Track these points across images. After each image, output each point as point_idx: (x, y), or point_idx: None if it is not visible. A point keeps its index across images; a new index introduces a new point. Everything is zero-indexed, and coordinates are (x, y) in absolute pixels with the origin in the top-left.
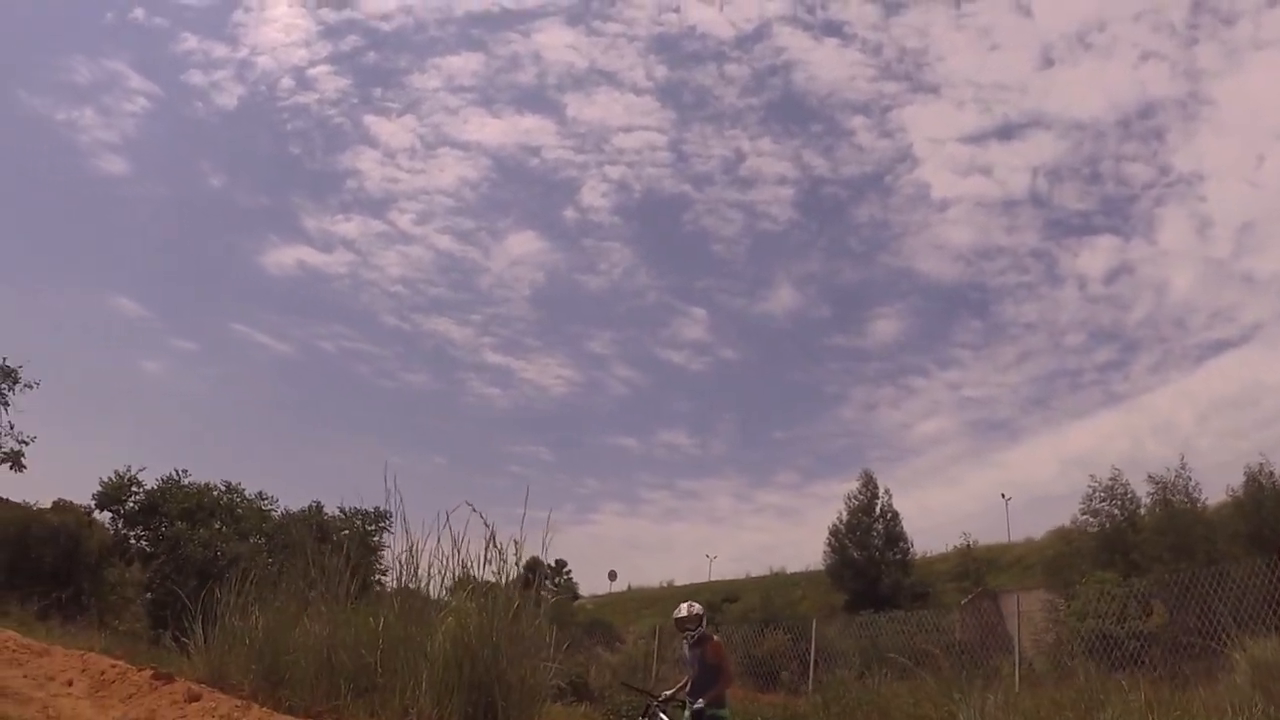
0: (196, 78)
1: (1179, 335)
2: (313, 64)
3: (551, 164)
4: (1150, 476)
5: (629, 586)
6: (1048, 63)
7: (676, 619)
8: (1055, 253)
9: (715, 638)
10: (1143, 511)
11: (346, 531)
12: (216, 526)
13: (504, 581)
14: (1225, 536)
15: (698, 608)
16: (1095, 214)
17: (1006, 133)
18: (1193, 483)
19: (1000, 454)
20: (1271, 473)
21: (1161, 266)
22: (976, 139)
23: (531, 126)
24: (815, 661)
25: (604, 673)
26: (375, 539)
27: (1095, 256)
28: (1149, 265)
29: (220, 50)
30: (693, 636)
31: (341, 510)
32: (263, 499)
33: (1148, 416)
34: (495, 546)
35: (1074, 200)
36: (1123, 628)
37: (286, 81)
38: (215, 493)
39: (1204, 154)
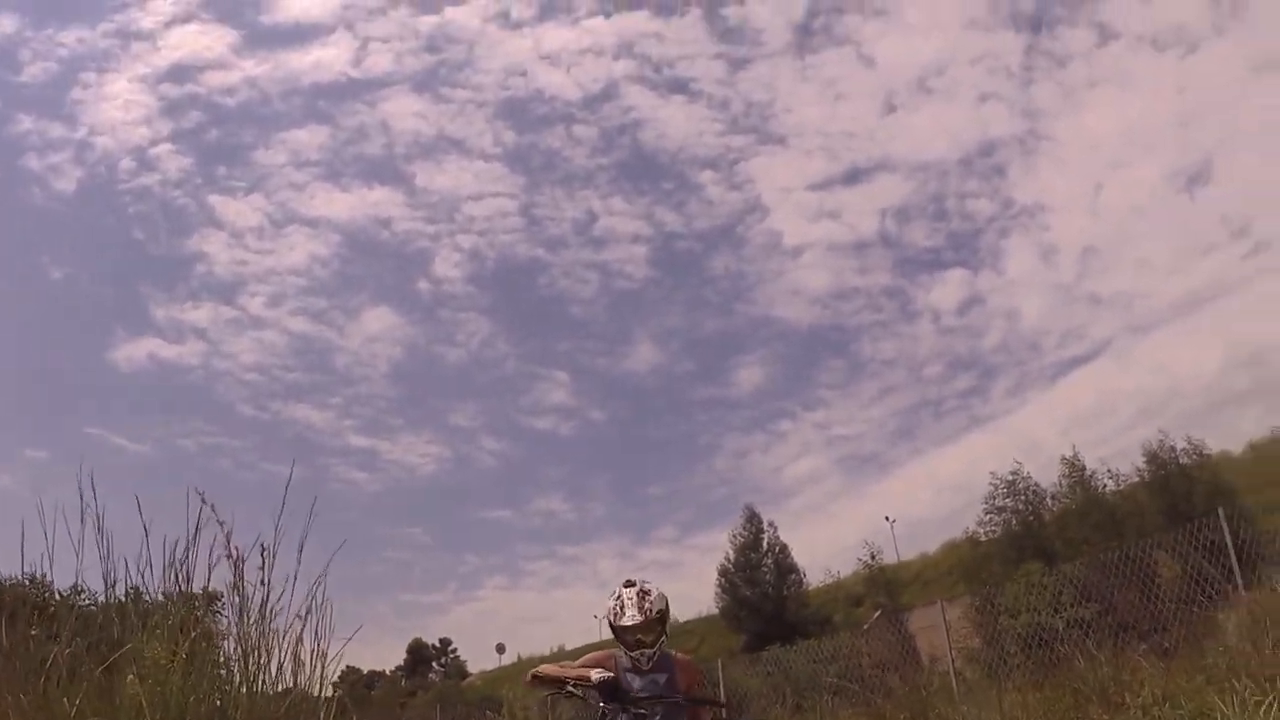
0: (33, 161)
1: (1033, 357)
2: (154, 143)
3: (403, 236)
4: (1064, 459)
5: (519, 657)
6: (891, 109)
7: (623, 625)
8: (908, 289)
9: (686, 656)
10: (1049, 501)
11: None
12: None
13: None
14: (1145, 514)
15: (657, 592)
16: (944, 250)
17: (853, 177)
18: (1106, 467)
19: (873, 486)
20: (1173, 448)
21: (1011, 295)
22: (824, 185)
23: (381, 199)
24: (727, 704)
25: None
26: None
27: (947, 290)
28: (999, 294)
29: (57, 130)
30: (649, 657)
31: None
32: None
33: (1012, 436)
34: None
35: (922, 238)
36: (1060, 617)
37: (128, 162)
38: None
39: (1044, 187)
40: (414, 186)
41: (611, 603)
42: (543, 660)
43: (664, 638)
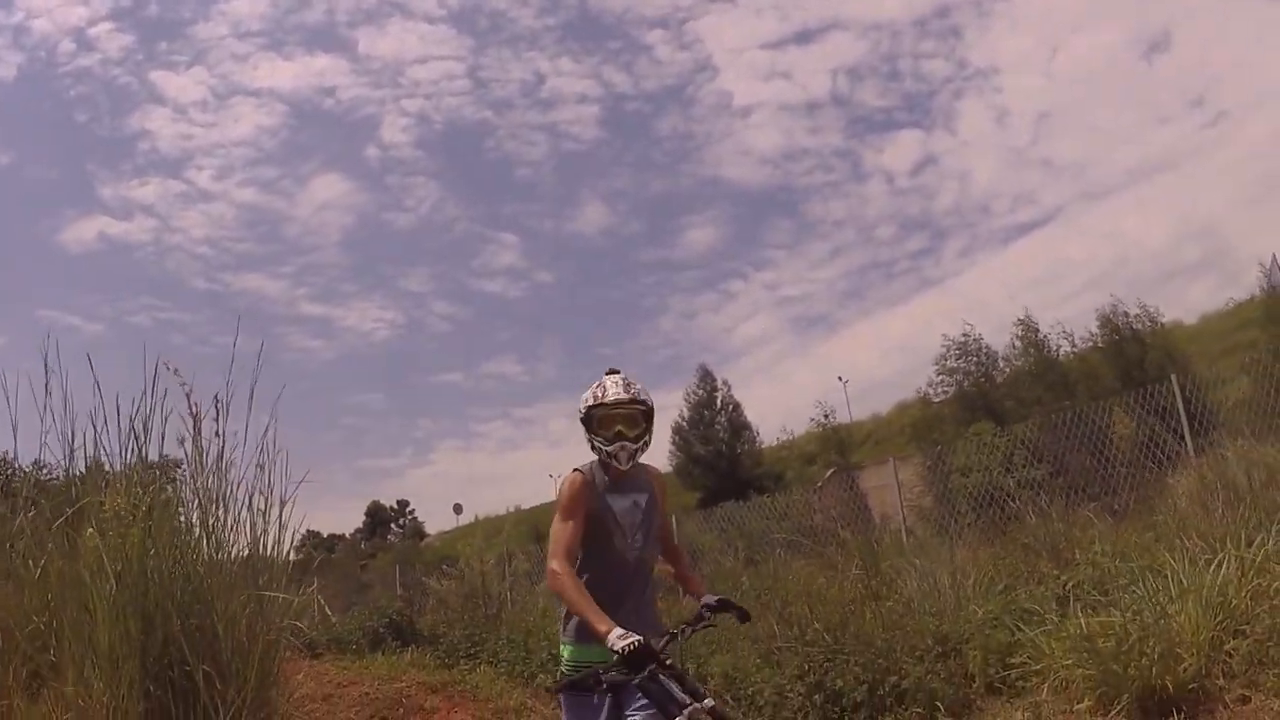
0: None
1: (985, 220)
2: (92, 22)
3: (348, 103)
4: (1017, 320)
5: (476, 518)
6: None
7: (605, 403)
8: (860, 150)
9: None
10: (1002, 363)
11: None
12: None
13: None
14: (1098, 377)
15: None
16: (897, 110)
17: (805, 37)
18: (1060, 329)
19: (822, 346)
20: (1127, 313)
21: (963, 157)
22: (775, 45)
23: (324, 66)
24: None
25: (439, 609)
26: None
27: (899, 151)
28: (951, 156)
29: None
30: (630, 454)
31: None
32: (40, 467)
33: (962, 298)
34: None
35: (875, 98)
36: (1011, 477)
37: (66, 45)
38: None
39: (999, 49)
40: (357, 53)
41: (590, 391)
42: (500, 520)
43: (649, 439)
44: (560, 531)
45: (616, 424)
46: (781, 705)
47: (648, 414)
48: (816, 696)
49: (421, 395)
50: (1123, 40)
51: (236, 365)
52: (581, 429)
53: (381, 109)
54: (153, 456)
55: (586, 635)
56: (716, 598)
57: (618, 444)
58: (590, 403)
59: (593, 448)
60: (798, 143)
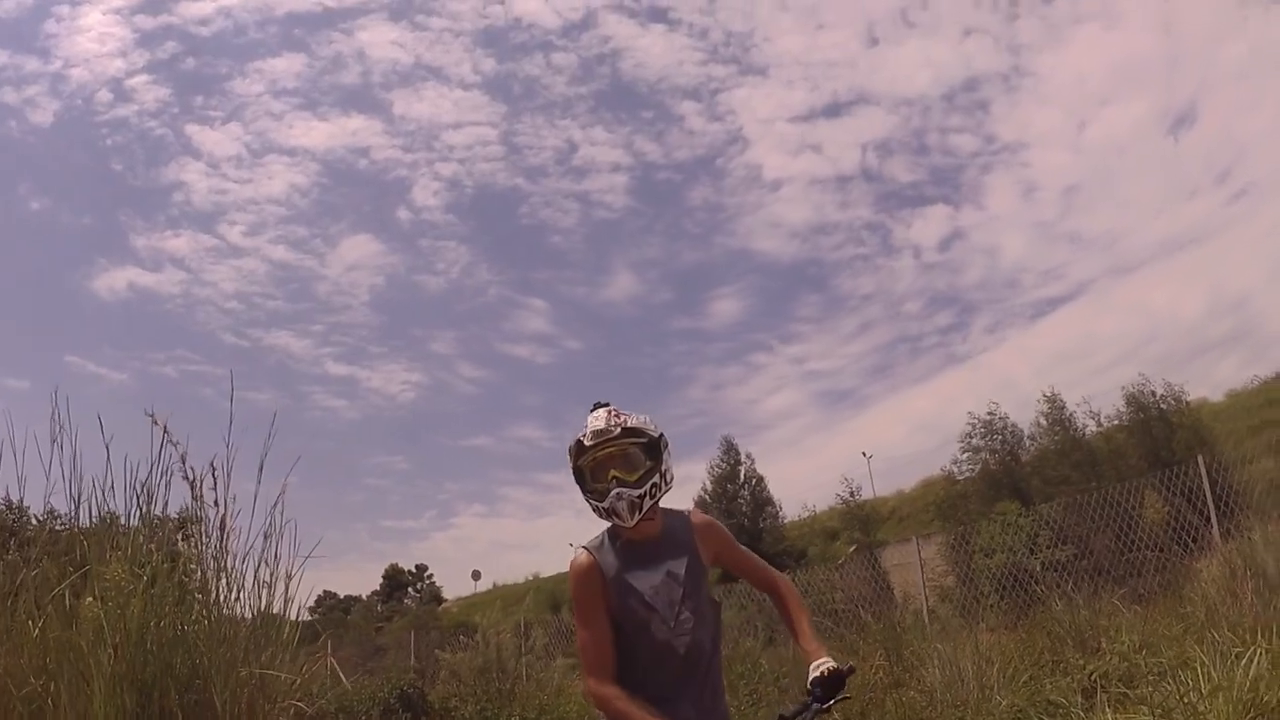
0: (9, 95)
1: (1013, 295)
2: (130, 74)
3: (381, 164)
4: (1043, 395)
5: (494, 585)
6: (873, 41)
7: (587, 447)
8: (889, 224)
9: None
10: (1027, 442)
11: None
12: None
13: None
14: (1125, 456)
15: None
16: (925, 184)
17: (835, 110)
18: (1087, 407)
19: (849, 422)
20: (1154, 392)
21: (991, 231)
22: (806, 118)
23: (359, 127)
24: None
25: (452, 681)
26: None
27: (927, 225)
28: (980, 230)
29: (32, 64)
30: (636, 504)
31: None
32: (54, 516)
33: (988, 374)
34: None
35: (904, 173)
36: (1035, 558)
37: (104, 94)
38: None
39: (1027, 123)
40: (392, 115)
41: (573, 440)
42: (519, 589)
43: (660, 480)
44: (585, 642)
45: (610, 469)
46: None
47: (650, 448)
48: None
49: (446, 458)
50: (1149, 114)
51: (257, 424)
52: (582, 496)
53: (414, 172)
54: (167, 512)
55: None
56: (828, 666)
57: (613, 494)
58: (574, 452)
59: (594, 510)
60: (827, 216)
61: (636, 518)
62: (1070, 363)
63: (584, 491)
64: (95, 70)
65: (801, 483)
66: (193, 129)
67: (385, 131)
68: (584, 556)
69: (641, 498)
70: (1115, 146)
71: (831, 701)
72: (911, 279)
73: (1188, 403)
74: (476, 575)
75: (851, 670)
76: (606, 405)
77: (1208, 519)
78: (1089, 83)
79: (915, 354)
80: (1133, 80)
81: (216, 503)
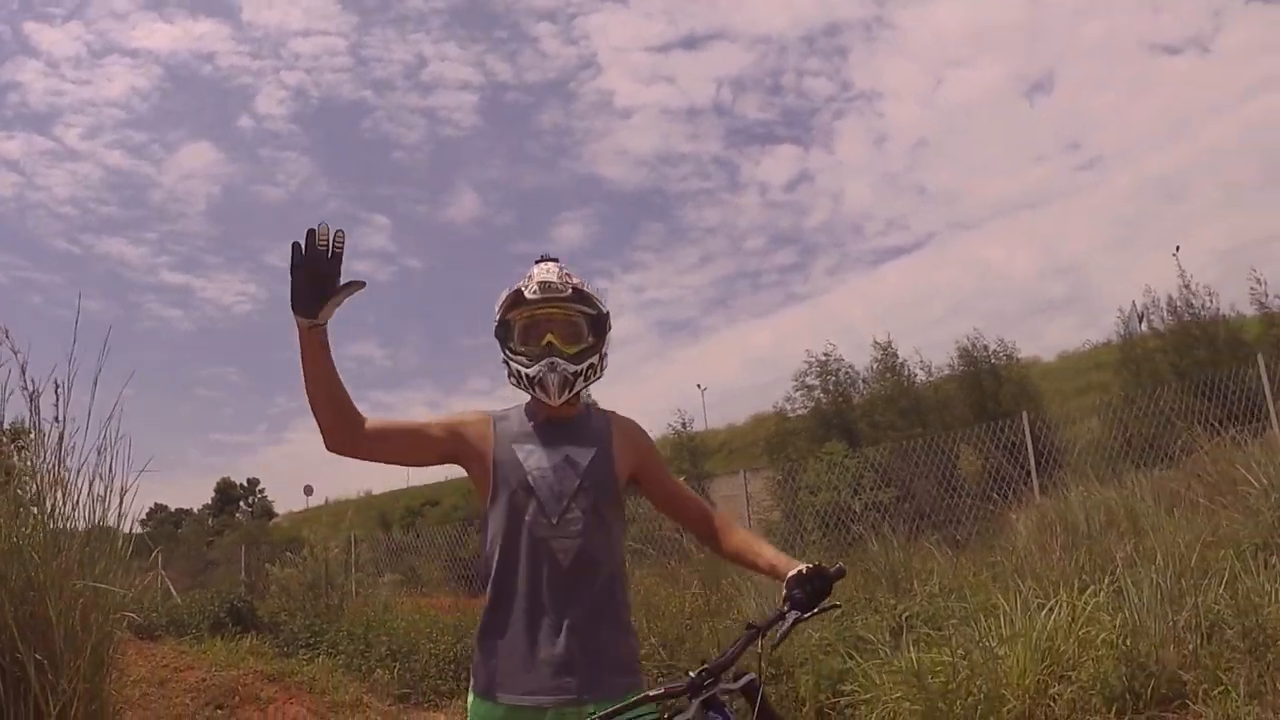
0: None
1: (856, 241)
2: None
3: (226, 71)
4: (875, 343)
5: (326, 500)
6: None
7: (527, 300)
8: (737, 160)
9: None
10: (861, 385)
11: None
12: None
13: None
14: (953, 406)
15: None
16: (777, 124)
17: (692, 43)
18: (919, 357)
19: (684, 352)
20: (986, 346)
21: (839, 176)
22: (662, 49)
23: (205, 31)
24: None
25: (281, 595)
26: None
27: (776, 165)
28: (827, 174)
29: None
30: (567, 381)
31: None
32: None
33: (826, 316)
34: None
35: (756, 111)
36: (858, 499)
37: None
38: None
39: (885, 74)
40: (240, 20)
41: (509, 289)
42: (351, 503)
43: (598, 363)
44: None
45: (547, 333)
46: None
47: (596, 322)
48: None
49: (280, 372)
50: (1007, 78)
51: (89, 335)
52: (501, 355)
53: (259, 80)
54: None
55: (501, 680)
56: (807, 566)
57: (545, 360)
58: (506, 302)
59: (511, 375)
60: (676, 148)
61: (565, 396)
62: (907, 310)
63: (507, 352)
64: None
65: (635, 410)
66: (31, 25)
67: (232, 37)
68: (484, 413)
69: (576, 375)
70: (969, 106)
71: (815, 610)
72: (755, 216)
73: (1018, 360)
74: (309, 490)
75: (841, 573)
76: (555, 260)
77: (1028, 473)
78: (950, 42)
79: (755, 290)
80: (994, 44)
81: (57, 418)
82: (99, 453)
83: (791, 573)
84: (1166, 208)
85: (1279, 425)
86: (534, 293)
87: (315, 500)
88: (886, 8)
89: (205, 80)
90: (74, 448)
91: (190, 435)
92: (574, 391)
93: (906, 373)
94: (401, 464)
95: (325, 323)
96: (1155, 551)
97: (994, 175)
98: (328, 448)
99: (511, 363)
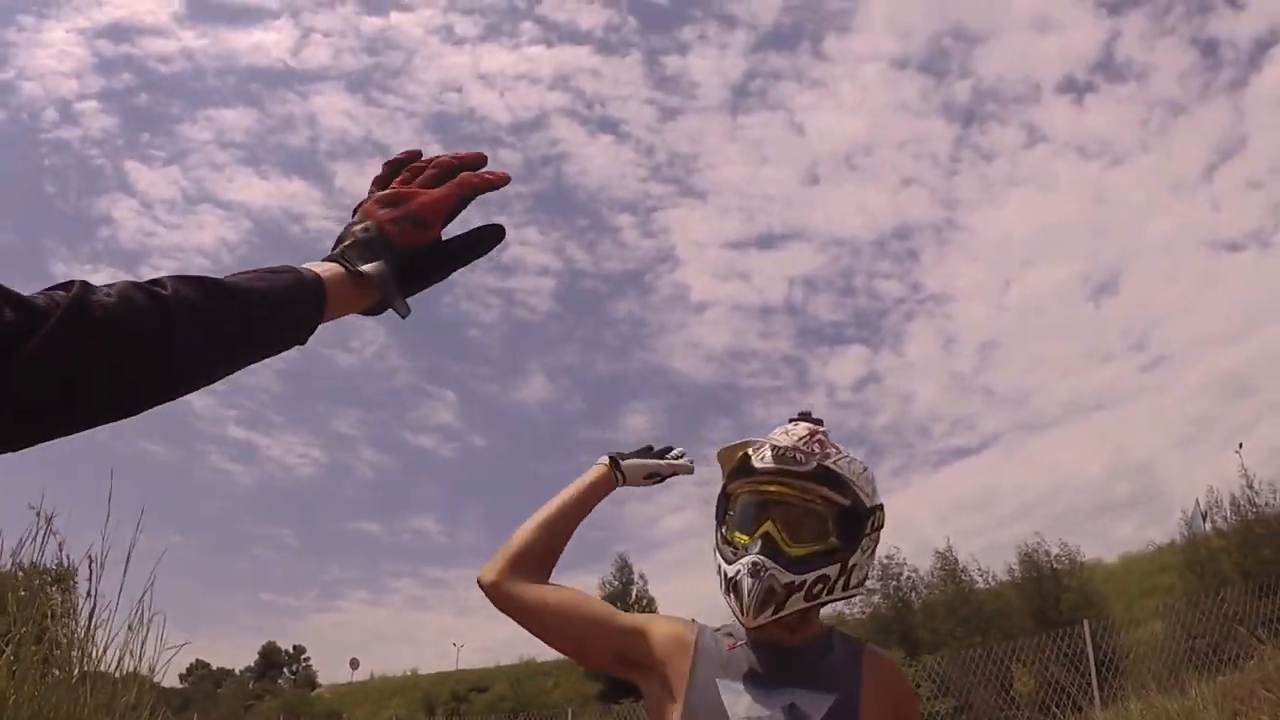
0: None
1: (922, 441)
2: (82, 97)
3: (314, 233)
4: (937, 552)
5: (372, 675)
6: (813, 180)
7: (761, 460)
8: (806, 360)
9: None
10: (923, 589)
11: None
12: None
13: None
14: (1013, 614)
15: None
16: (847, 325)
17: (767, 242)
18: (976, 564)
19: None
20: (1048, 551)
21: (907, 378)
22: (738, 245)
23: (297, 192)
24: None
25: None
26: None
27: (845, 365)
28: (895, 375)
29: None
30: (767, 589)
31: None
32: None
33: (891, 517)
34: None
35: (827, 311)
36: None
37: (51, 113)
38: None
39: (954, 276)
40: (332, 185)
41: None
42: (396, 683)
43: (840, 577)
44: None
45: (767, 518)
46: None
47: (848, 517)
48: None
49: (336, 539)
50: (1073, 279)
51: (145, 478)
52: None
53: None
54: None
55: None
56: None
57: (749, 560)
58: (732, 467)
59: (717, 573)
60: (747, 344)
61: (763, 617)
62: (971, 512)
63: (719, 537)
64: (48, 87)
65: (693, 605)
66: (132, 164)
67: (323, 201)
68: (687, 623)
69: (791, 589)
70: (1036, 307)
71: None
72: (823, 415)
73: (1081, 563)
74: (355, 664)
75: None
76: (817, 421)
77: (1089, 682)
78: (1017, 243)
79: None
80: (1060, 245)
81: (89, 593)
82: (129, 629)
83: None
84: (1233, 404)
85: None
86: (764, 460)
87: (360, 674)
88: (957, 211)
89: (292, 240)
90: (105, 620)
91: (241, 592)
92: (782, 613)
93: (966, 578)
94: (559, 646)
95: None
96: None
97: (1062, 375)
98: (492, 582)
99: (717, 553)
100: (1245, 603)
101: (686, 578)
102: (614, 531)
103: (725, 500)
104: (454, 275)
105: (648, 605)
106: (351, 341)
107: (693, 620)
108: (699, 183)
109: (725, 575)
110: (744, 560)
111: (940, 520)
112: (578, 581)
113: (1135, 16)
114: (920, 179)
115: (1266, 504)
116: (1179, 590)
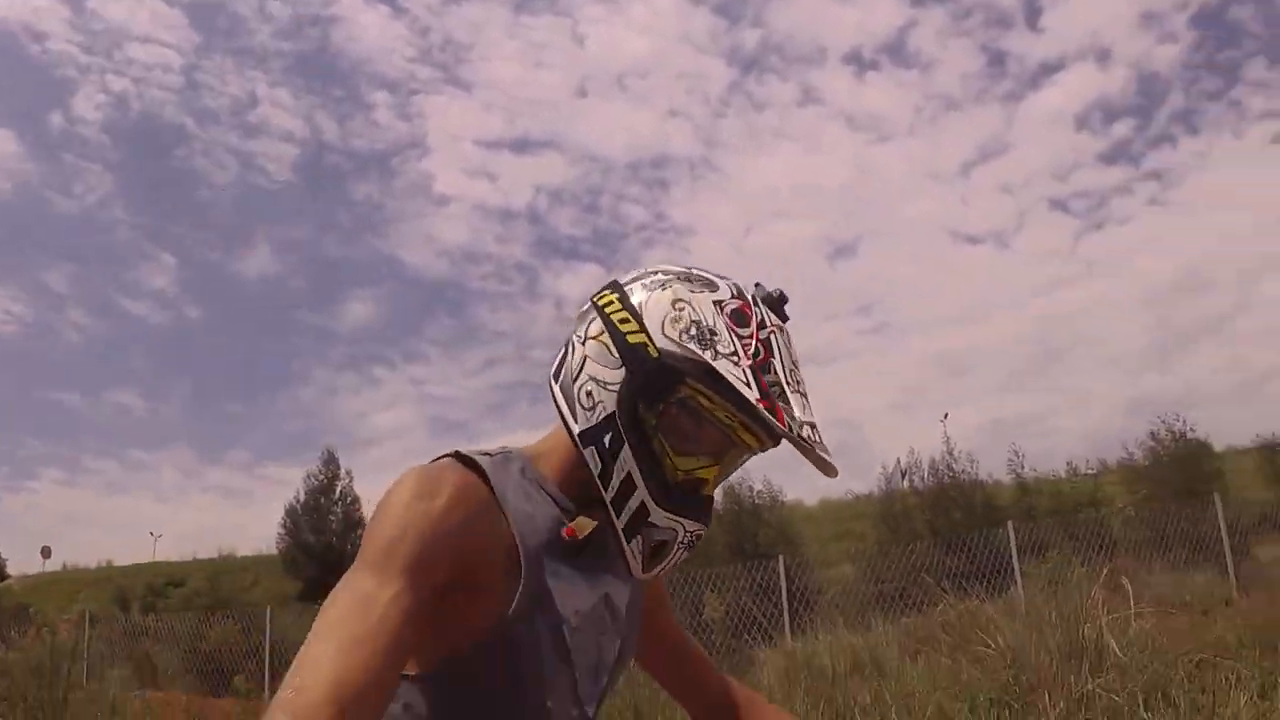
0: None
1: None
2: None
3: (55, 57)
4: None
5: (64, 566)
6: (582, 93)
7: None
8: (539, 270)
9: None
10: None
11: None
12: None
13: None
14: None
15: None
16: (585, 242)
17: (522, 146)
18: None
19: None
20: (751, 487)
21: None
22: (493, 145)
23: (43, 6)
24: (273, 657)
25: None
26: None
27: (576, 281)
28: None
29: None
30: (696, 537)
31: None
32: None
33: None
34: None
35: (568, 225)
36: None
37: None
38: None
39: (700, 214)
40: (83, 6)
41: (710, 301)
42: (89, 575)
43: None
44: (351, 622)
45: (725, 461)
46: None
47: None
48: None
49: (31, 409)
50: (816, 237)
51: None
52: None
53: (84, 76)
54: None
55: None
56: None
57: (696, 526)
58: (703, 351)
59: (609, 470)
60: (482, 246)
61: (656, 570)
62: None
63: (638, 440)
64: None
65: None
66: None
67: (70, 23)
68: (468, 478)
69: (696, 541)
70: (774, 255)
71: None
72: (548, 328)
73: (782, 501)
74: (47, 552)
75: None
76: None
77: (781, 613)
78: (769, 194)
79: (534, 402)
80: (810, 204)
81: None
82: None
83: None
84: (945, 381)
85: (1023, 588)
86: (792, 423)
87: (52, 564)
88: (717, 152)
89: (30, 60)
90: None
91: None
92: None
93: None
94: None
95: None
96: (895, 699)
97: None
98: None
99: (635, 470)
100: (933, 556)
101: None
102: (320, 422)
103: (670, 388)
104: (191, 128)
105: (351, 502)
106: (75, 185)
107: (451, 461)
108: (467, 74)
109: (646, 517)
110: (692, 526)
111: None
112: (280, 472)
113: (937, 12)
114: (688, 113)
115: (962, 471)
116: (872, 539)
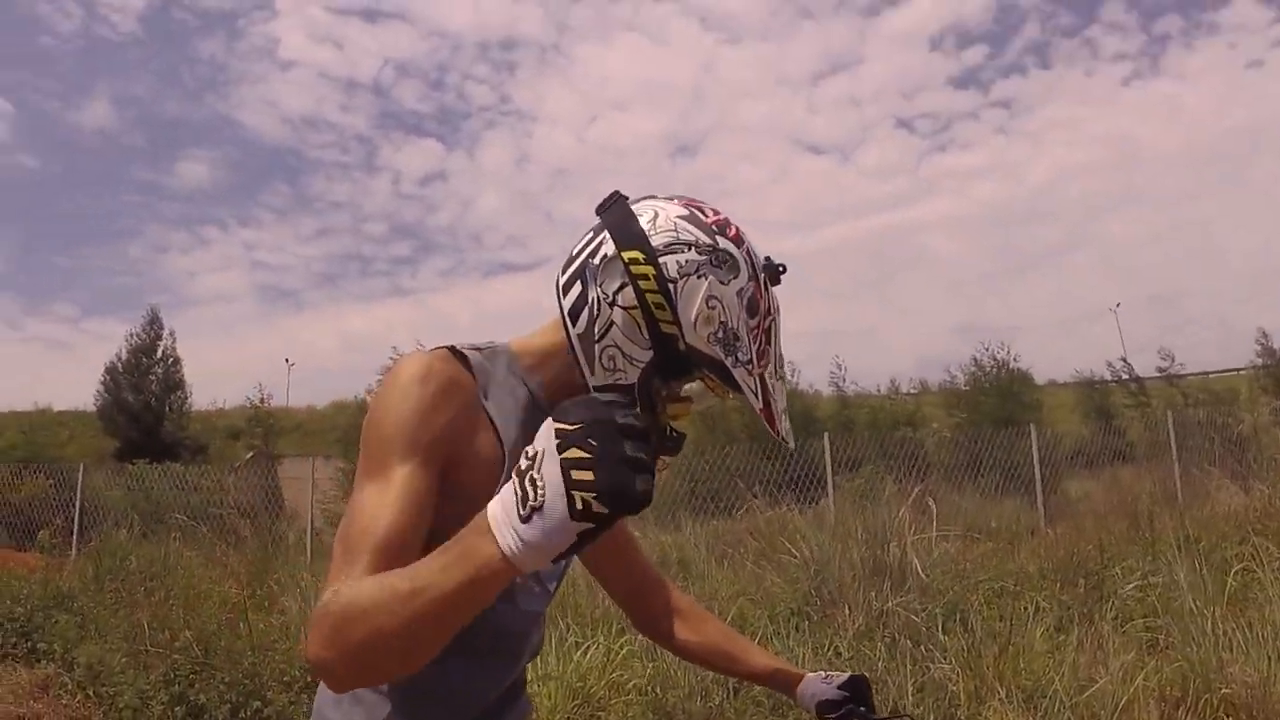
0: None
1: (475, 248)
2: None
3: None
4: None
5: None
6: None
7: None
8: (379, 143)
9: None
10: None
11: None
12: None
13: None
14: None
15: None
16: (428, 119)
17: (373, 16)
18: None
19: (285, 322)
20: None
21: (475, 183)
22: (342, 12)
23: None
24: (82, 516)
25: None
26: None
27: (416, 157)
28: (463, 178)
29: None
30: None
31: None
32: None
33: (431, 315)
34: None
35: (413, 100)
36: None
37: None
38: None
39: (545, 99)
40: None
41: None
42: None
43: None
44: (380, 513)
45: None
46: (143, 711)
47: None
48: (179, 708)
49: None
50: (659, 133)
51: None
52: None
53: None
54: None
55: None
56: (839, 680)
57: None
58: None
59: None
60: (324, 114)
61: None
62: (509, 324)
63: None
64: None
65: (219, 372)
66: None
67: None
68: (452, 367)
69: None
70: (615, 148)
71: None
72: (383, 202)
73: None
74: None
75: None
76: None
77: None
78: (615, 85)
79: (365, 274)
80: (655, 99)
81: None
82: None
83: (840, 679)
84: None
85: (834, 501)
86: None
87: None
88: (566, 38)
89: None
90: None
91: None
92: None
93: None
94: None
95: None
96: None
97: None
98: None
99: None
100: (748, 461)
101: (217, 341)
102: (146, 280)
103: (687, 372)
104: None
105: (173, 364)
106: None
107: (439, 351)
108: None
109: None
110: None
111: (476, 325)
112: (104, 327)
113: None
114: None
115: (789, 376)
116: (690, 437)
